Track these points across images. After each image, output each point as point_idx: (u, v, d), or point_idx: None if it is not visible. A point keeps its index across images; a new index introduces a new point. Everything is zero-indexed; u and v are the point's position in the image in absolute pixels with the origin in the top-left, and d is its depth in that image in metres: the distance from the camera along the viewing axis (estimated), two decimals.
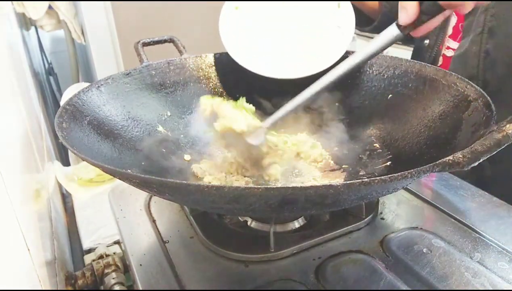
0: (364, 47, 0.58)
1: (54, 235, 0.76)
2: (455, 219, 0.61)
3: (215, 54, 0.83)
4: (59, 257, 0.72)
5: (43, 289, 0.54)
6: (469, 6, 0.51)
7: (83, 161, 0.47)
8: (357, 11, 1.04)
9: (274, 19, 0.81)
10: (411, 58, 0.94)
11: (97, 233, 0.90)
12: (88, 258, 0.81)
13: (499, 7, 0.76)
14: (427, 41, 0.92)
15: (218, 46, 0.81)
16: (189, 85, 0.80)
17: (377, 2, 1.00)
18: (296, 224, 0.62)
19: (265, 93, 0.83)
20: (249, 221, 0.62)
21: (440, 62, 0.90)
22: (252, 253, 0.56)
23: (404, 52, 2.23)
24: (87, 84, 0.69)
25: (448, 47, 0.89)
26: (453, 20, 0.88)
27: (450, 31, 0.88)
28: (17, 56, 1.14)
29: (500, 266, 0.52)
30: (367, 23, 1.02)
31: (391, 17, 1.00)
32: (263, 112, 0.82)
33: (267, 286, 0.51)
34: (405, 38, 0.59)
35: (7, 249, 0.45)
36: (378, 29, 1.05)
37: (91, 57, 1.47)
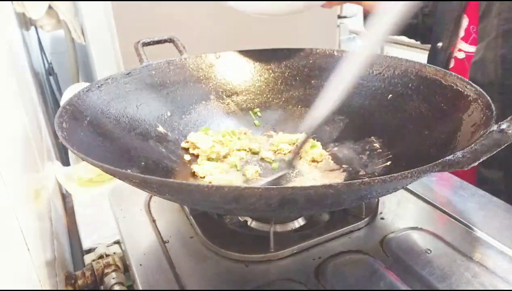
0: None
1: (54, 235, 0.76)
2: (455, 219, 0.61)
3: (215, 54, 0.83)
4: (59, 257, 0.72)
5: (43, 289, 0.54)
6: None
7: (83, 161, 0.47)
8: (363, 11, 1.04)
9: None
10: (428, 61, 0.94)
11: (97, 233, 0.90)
12: (88, 258, 0.81)
13: (510, 11, 0.76)
14: (440, 44, 0.92)
15: (218, 46, 0.81)
16: (189, 85, 0.80)
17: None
18: (296, 224, 0.62)
19: (264, 92, 0.83)
20: (249, 221, 0.62)
21: (452, 65, 0.90)
22: (252, 253, 0.56)
23: (405, 52, 2.23)
24: (87, 84, 0.69)
25: (460, 50, 0.88)
26: (465, 22, 0.87)
27: (462, 33, 0.88)
28: (17, 56, 1.14)
29: (500, 266, 0.52)
30: None
31: None
32: (263, 112, 0.82)
33: (267, 286, 0.51)
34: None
35: (7, 249, 0.45)
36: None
37: (91, 57, 1.47)
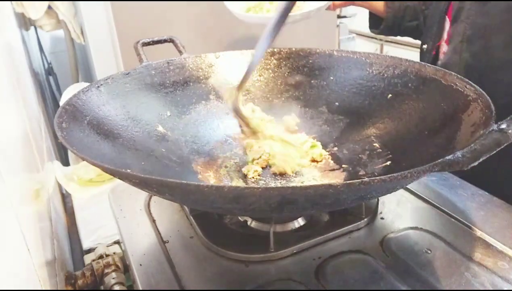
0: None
1: (54, 235, 0.76)
2: (455, 219, 0.61)
3: (215, 54, 0.83)
4: (59, 257, 0.72)
5: (43, 289, 0.54)
6: None
7: (83, 160, 0.47)
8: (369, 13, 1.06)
9: None
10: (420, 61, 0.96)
11: (97, 233, 0.90)
12: (88, 258, 0.81)
13: (476, 17, 0.77)
14: (425, 46, 0.92)
15: (218, 46, 0.81)
16: (188, 85, 0.80)
17: (382, 3, 1.02)
18: (296, 224, 0.62)
19: (264, 92, 0.83)
20: (249, 221, 0.62)
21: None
22: (252, 253, 0.56)
23: (405, 52, 2.23)
24: (86, 84, 0.69)
25: (444, 52, 0.89)
26: (447, 24, 0.88)
27: (445, 36, 0.89)
28: (17, 56, 1.14)
29: (500, 266, 0.52)
30: (379, 24, 1.05)
31: (395, 21, 1.01)
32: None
33: (267, 286, 0.51)
34: None
35: (7, 249, 0.45)
36: (386, 32, 1.07)
37: (90, 57, 1.47)
